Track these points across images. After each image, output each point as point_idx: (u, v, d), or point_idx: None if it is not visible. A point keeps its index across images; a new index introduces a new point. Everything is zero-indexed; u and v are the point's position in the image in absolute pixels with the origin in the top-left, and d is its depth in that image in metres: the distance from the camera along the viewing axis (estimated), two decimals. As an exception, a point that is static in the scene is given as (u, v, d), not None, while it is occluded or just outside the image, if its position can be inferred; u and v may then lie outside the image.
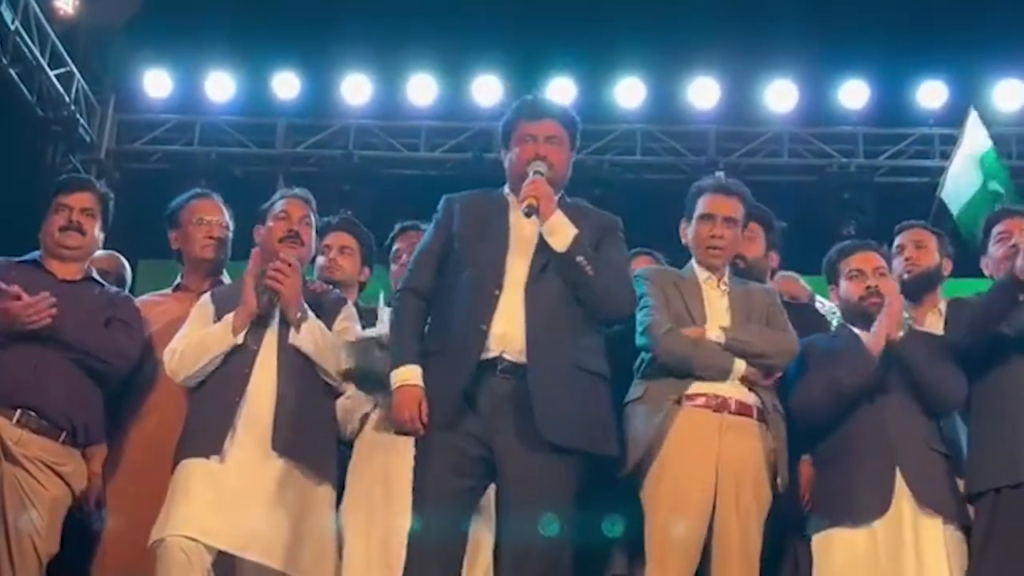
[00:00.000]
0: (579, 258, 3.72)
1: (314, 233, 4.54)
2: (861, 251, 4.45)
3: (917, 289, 4.68)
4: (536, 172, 3.82)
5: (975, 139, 7.53)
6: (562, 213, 3.77)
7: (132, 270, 5.49)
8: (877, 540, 4.00)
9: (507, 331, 3.70)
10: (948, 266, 4.84)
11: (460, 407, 3.67)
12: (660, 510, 3.95)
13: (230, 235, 4.85)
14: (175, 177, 9.90)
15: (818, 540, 4.10)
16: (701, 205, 4.32)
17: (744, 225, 4.35)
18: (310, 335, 4.19)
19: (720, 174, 7.29)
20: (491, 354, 3.70)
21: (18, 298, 4.18)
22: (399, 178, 10.27)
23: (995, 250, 4.45)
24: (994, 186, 7.44)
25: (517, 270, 3.79)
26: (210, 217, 4.81)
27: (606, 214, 4.03)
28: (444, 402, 3.68)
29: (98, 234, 4.58)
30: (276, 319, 4.24)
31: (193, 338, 4.25)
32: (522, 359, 3.68)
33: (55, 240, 4.47)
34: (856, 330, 4.33)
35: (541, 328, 3.69)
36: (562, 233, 3.75)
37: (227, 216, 4.87)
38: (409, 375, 3.73)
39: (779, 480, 4.03)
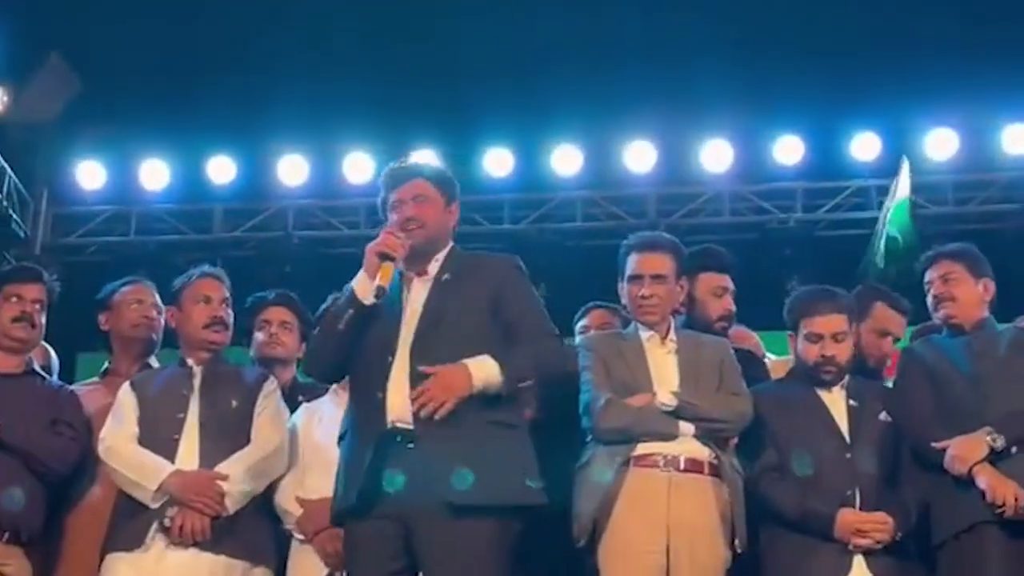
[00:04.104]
0: (521, 384, 3.67)
1: (231, 310, 4.45)
2: (825, 314, 4.24)
3: None
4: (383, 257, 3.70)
5: (897, 190, 7.65)
6: (472, 363, 3.61)
7: (71, 364, 5.39)
8: None
9: (397, 398, 3.60)
10: None
11: (371, 487, 3.55)
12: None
13: (161, 320, 4.75)
14: (113, 268, 9.72)
15: None
16: (630, 265, 4.24)
17: (679, 276, 4.25)
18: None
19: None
20: (388, 424, 3.59)
21: None
22: (340, 257, 10.13)
23: (928, 299, 4.38)
24: (891, 231, 7.53)
25: (406, 335, 3.70)
26: (144, 299, 4.75)
27: (502, 256, 3.95)
28: (356, 485, 3.58)
29: (43, 326, 4.50)
30: (195, 398, 4.16)
31: (126, 466, 4.08)
32: (411, 424, 3.58)
33: (4, 331, 4.38)
34: (816, 390, 4.24)
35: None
36: (490, 375, 3.60)
37: (159, 301, 4.79)
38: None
39: (737, 540, 3.92)
